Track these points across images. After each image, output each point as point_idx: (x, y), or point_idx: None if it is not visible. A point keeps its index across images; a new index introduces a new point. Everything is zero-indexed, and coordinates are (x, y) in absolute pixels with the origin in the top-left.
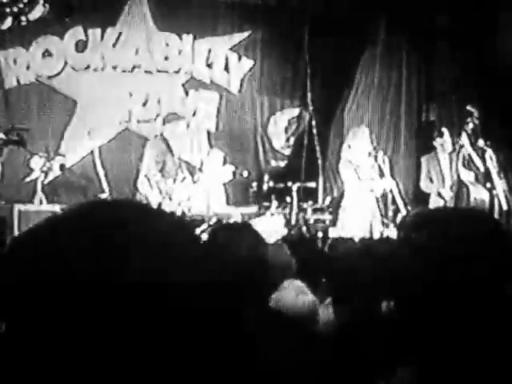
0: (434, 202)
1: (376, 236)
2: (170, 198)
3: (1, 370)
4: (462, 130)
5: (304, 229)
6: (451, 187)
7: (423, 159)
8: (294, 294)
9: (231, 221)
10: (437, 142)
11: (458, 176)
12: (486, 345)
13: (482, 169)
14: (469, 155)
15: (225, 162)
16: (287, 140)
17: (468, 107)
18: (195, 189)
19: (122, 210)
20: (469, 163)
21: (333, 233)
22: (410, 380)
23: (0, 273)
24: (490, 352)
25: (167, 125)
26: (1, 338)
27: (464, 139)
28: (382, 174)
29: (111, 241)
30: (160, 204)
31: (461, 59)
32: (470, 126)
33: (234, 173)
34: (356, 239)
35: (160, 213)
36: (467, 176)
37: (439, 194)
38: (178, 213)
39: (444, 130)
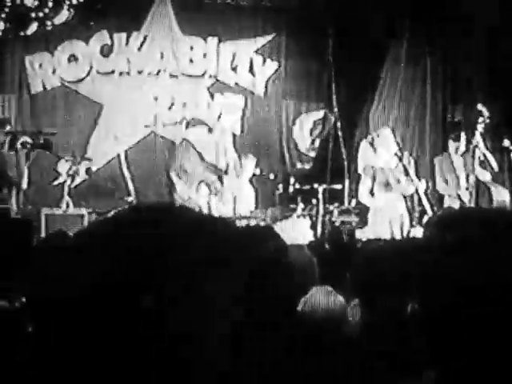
0: (450, 203)
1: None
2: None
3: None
4: (475, 130)
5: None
6: (467, 188)
7: (436, 161)
8: (324, 295)
9: (253, 223)
10: (452, 145)
11: (476, 177)
12: None
13: (496, 169)
14: (484, 155)
15: (256, 165)
16: (312, 142)
17: (479, 107)
18: (223, 191)
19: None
20: (484, 163)
21: (360, 235)
22: (435, 383)
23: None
24: None
25: (191, 129)
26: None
27: (478, 139)
28: (407, 175)
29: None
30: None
31: (485, 59)
32: (482, 125)
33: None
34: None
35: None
36: (484, 176)
37: (458, 196)
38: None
39: (462, 133)
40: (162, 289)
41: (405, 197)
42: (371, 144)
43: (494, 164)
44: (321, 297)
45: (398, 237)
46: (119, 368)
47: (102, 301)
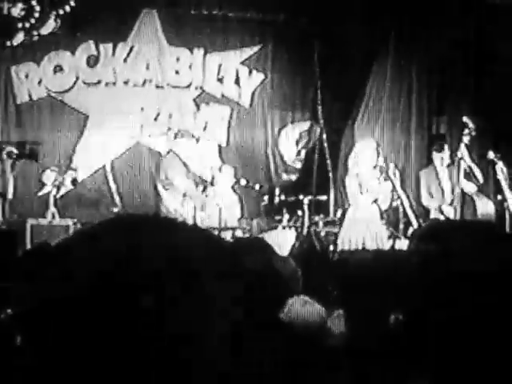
0: (435, 216)
1: (386, 248)
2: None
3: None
4: (460, 142)
5: (315, 242)
6: (451, 202)
7: (421, 173)
8: (300, 305)
9: (244, 235)
10: (435, 157)
11: (462, 189)
12: (498, 358)
13: (481, 180)
14: (469, 167)
15: (242, 176)
16: (298, 153)
17: (464, 119)
18: (208, 202)
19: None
20: (469, 175)
21: (342, 245)
22: None
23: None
24: (504, 365)
25: (178, 140)
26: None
27: (463, 151)
28: (392, 187)
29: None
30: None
31: (471, 71)
32: (468, 137)
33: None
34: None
35: (194, 228)
36: (470, 188)
37: (440, 209)
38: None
39: (445, 145)
40: (161, 289)
41: (380, 209)
42: (354, 153)
43: (480, 176)
44: (297, 307)
45: (372, 247)
46: (119, 368)
47: (101, 301)
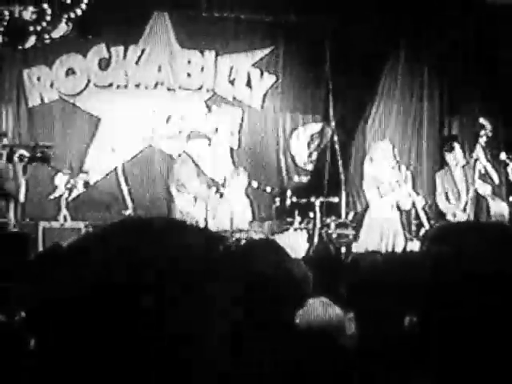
0: (450, 217)
1: (399, 250)
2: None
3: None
4: (477, 143)
5: (329, 245)
6: (464, 208)
7: (437, 175)
8: (321, 307)
9: (256, 237)
10: (447, 157)
11: (476, 190)
12: (507, 361)
13: (497, 181)
14: (484, 168)
15: (253, 178)
16: (310, 155)
17: (481, 120)
18: (220, 205)
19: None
20: (485, 176)
21: (356, 248)
22: None
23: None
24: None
25: (190, 142)
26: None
27: (479, 152)
28: (404, 188)
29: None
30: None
31: (482, 73)
32: (484, 138)
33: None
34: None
35: (200, 230)
36: (484, 189)
37: (454, 215)
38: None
39: (455, 144)
40: (161, 289)
41: (401, 211)
42: (370, 158)
43: (495, 177)
44: (318, 308)
45: (390, 250)
46: (119, 368)
47: (102, 302)
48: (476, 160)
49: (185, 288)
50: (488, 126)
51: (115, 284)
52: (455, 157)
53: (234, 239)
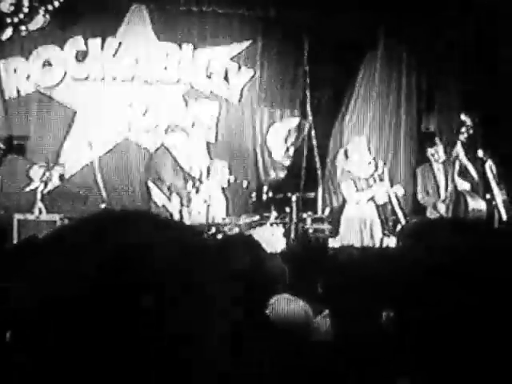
0: (430, 214)
1: (377, 245)
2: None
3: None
4: (457, 140)
5: (311, 239)
6: (444, 200)
7: (418, 170)
8: (285, 302)
9: (232, 232)
10: (429, 152)
11: (455, 186)
12: (485, 357)
13: (476, 178)
14: (463, 165)
15: (230, 173)
16: (287, 150)
17: (462, 117)
18: (196, 198)
19: (135, 222)
20: (464, 173)
21: (332, 243)
22: None
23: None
24: (491, 364)
25: (169, 134)
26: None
27: (459, 149)
28: (381, 184)
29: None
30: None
31: (461, 69)
32: (465, 135)
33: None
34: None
35: (174, 224)
36: (463, 186)
37: (434, 207)
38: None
39: (436, 139)
40: (161, 289)
41: (377, 206)
42: (345, 151)
43: (474, 174)
44: (282, 305)
45: (368, 245)
46: (119, 368)
47: (101, 301)
48: (456, 156)
49: (157, 279)
50: (469, 123)
51: (115, 284)
52: (435, 152)
53: (209, 233)
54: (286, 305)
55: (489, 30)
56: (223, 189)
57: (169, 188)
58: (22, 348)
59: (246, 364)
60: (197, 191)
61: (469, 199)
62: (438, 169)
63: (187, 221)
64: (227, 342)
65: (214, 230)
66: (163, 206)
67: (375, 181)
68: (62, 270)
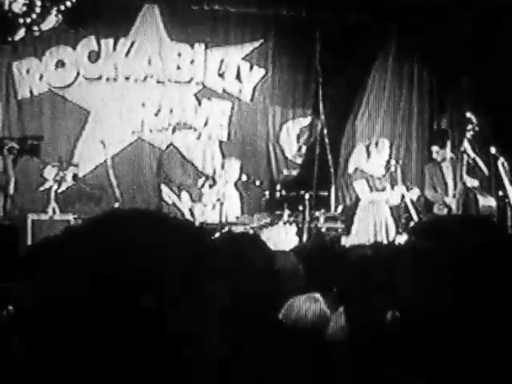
0: (438, 211)
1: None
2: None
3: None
4: (464, 137)
5: (325, 238)
6: (454, 195)
7: (426, 168)
8: (303, 302)
9: (240, 231)
10: (436, 151)
11: (464, 183)
12: (492, 354)
13: (487, 174)
14: (474, 161)
15: (241, 171)
16: (299, 149)
17: (468, 114)
18: (209, 197)
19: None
20: (473, 170)
21: (345, 241)
22: None
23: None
24: (497, 361)
25: (177, 133)
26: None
27: (466, 146)
28: (394, 183)
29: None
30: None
31: (473, 67)
32: (471, 132)
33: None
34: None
35: (181, 223)
36: (472, 183)
37: (444, 203)
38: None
39: (446, 139)
40: (161, 289)
41: (392, 205)
42: (367, 149)
43: (485, 168)
44: (300, 304)
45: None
46: (120, 368)
47: (102, 301)
48: (463, 153)
49: (185, 288)
50: (474, 121)
51: (115, 284)
52: (445, 152)
53: (223, 232)
54: (304, 305)
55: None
56: (237, 187)
57: (178, 187)
58: (22, 348)
59: (247, 364)
60: (210, 187)
61: (479, 196)
62: (447, 167)
63: (200, 217)
64: (228, 341)
65: (227, 228)
66: (173, 204)
67: (388, 180)
68: (65, 271)
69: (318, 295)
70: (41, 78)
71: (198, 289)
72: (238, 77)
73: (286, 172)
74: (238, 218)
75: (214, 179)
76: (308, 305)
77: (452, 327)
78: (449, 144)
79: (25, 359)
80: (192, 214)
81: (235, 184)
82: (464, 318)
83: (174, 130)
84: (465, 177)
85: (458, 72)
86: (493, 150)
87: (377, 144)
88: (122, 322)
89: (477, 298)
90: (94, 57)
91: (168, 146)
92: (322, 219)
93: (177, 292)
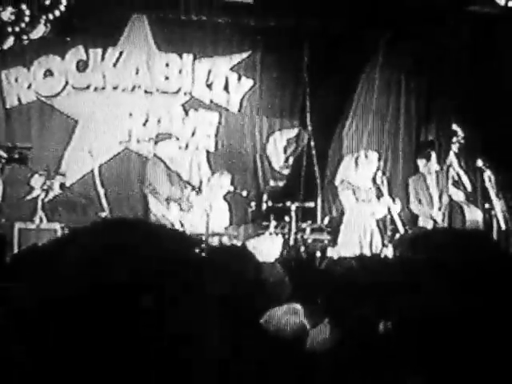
0: (423, 223)
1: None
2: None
3: None
4: (449, 150)
5: (302, 249)
6: (439, 208)
7: (410, 180)
8: (282, 314)
9: (228, 243)
10: (421, 163)
11: (450, 196)
12: (482, 359)
13: (469, 188)
14: (458, 175)
15: (230, 182)
16: (286, 160)
17: (453, 126)
18: (196, 206)
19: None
20: (458, 183)
21: (331, 252)
22: None
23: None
24: (492, 364)
25: (160, 144)
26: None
27: (452, 159)
28: (380, 195)
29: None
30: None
31: (459, 80)
32: (457, 145)
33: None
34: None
35: (170, 232)
36: (458, 196)
37: (429, 215)
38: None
39: (431, 151)
40: (161, 289)
41: (378, 217)
42: (356, 161)
43: (468, 184)
44: (279, 315)
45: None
46: (120, 368)
47: (102, 301)
48: (449, 166)
49: (185, 288)
50: (460, 133)
51: (115, 284)
52: (430, 165)
53: (209, 244)
54: (280, 317)
55: (486, 38)
56: (224, 198)
57: (167, 199)
58: (22, 347)
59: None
60: (197, 194)
61: (465, 209)
62: (431, 179)
63: (189, 228)
64: (228, 341)
65: (214, 239)
66: (163, 215)
67: (374, 192)
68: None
69: (298, 306)
70: (29, 86)
71: (198, 290)
72: (226, 87)
73: (272, 183)
74: (226, 228)
75: (200, 189)
76: (288, 317)
77: (447, 331)
78: (434, 156)
79: (24, 359)
80: (181, 225)
81: (224, 196)
82: (457, 323)
83: (156, 142)
84: (451, 189)
85: (445, 83)
86: (479, 162)
87: (366, 156)
88: (122, 322)
89: (466, 308)
90: (82, 66)
91: (150, 157)
92: (308, 230)
93: (177, 292)
